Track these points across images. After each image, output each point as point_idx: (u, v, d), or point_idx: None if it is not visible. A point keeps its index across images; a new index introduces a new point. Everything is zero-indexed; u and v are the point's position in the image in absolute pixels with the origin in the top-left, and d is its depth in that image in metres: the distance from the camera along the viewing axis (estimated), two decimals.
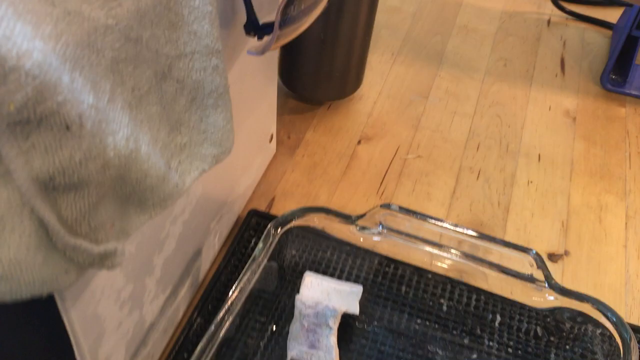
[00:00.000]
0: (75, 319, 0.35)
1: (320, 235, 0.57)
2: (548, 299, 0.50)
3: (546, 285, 0.50)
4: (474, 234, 0.53)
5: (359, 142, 0.74)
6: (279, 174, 0.69)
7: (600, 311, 0.47)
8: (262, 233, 0.61)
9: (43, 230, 0.28)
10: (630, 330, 0.47)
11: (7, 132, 0.23)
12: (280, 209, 0.65)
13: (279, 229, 0.52)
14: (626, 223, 0.67)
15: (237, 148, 0.55)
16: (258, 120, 0.61)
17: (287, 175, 0.69)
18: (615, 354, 0.47)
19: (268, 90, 0.61)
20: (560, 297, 0.49)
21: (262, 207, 0.65)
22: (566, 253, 0.63)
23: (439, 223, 0.54)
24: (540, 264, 0.50)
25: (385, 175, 0.70)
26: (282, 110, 0.77)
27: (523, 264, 0.52)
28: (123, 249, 0.33)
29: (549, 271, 0.50)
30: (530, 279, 0.50)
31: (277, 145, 0.71)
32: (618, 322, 0.47)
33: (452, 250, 0.53)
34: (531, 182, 0.70)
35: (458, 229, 0.53)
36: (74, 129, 0.25)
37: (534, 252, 0.51)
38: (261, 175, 0.68)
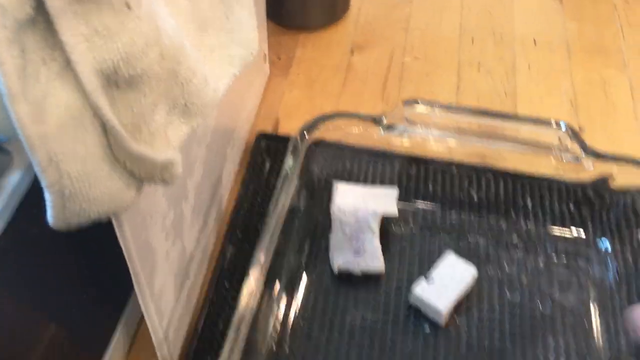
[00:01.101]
0: (132, 245, 0.32)
1: (341, 146, 0.55)
2: (587, 169, 0.49)
3: (583, 154, 0.49)
4: (499, 116, 0.52)
5: (352, 52, 0.71)
6: (278, 95, 0.66)
7: None
8: (273, 155, 0.59)
9: (105, 139, 0.25)
10: None
11: (67, 12, 0.20)
12: (287, 129, 0.62)
13: (305, 139, 0.49)
14: (632, 93, 0.67)
15: None
16: None
17: (286, 96, 0.66)
18: None
19: (257, 2, 0.57)
20: (598, 163, 0.49)
21: (268, 129, 0.62)
22: (581, 129, 0.63)
23: (462, 111, 0.52)
24: (573, 134, 0.49)
25: (386, 82, 0.68)
26: (267, 33, 0.73)
27: (550, 138, 0.51)
28: (180, 160, 0.30)
29: (583, 140, 0.49)
30: (564, 148, 0.49)
31: (270, 67, 0.68)
32: None
33: (480, 134, 0.52)
34: (532, 67, 0.69)
35: (481, 113, 0.52)
36: (133, 6, 0.22)
37: (565, 124, 0.50)
38: (260, 98, 0.65)
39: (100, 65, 0.22)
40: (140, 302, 0.36)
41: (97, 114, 0.23)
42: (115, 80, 0.23)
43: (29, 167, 0.28)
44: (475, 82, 0.67)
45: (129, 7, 0.21)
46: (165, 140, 0.29)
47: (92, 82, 0.22)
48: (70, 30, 0.20)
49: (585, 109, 0.65)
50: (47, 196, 0.23)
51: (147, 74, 0.24)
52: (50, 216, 0.25)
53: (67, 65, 0.21)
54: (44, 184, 0.23)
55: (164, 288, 0.39)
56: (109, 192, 0.26)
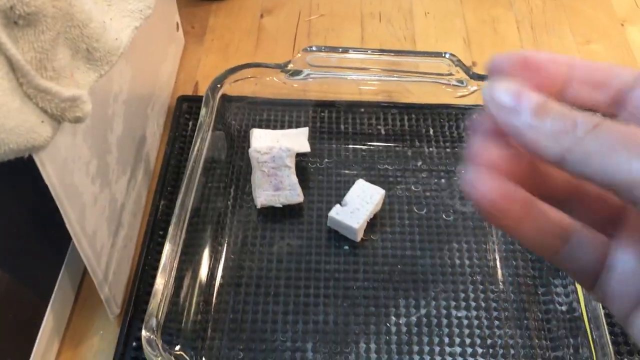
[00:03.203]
0: (57, 184, 0.36)
1: (255, 99, 0.59)
2: (471, 90, 0.55)
3: (467, 77, 0.55)
4: (391, 53, 0.57)
5: (262, 15, 0.75)
6: (195, 61, 0.70)
7: None
8: (195, 115, 0.62)
9: (12, 74, 0.28)
10: None
11: None
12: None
13: (217, 91, 0.54)
14: (518, 27, 0.74)
15: (149, 34, 0.56)
16: (161, 9, 0.61)
17: (203, 61, 0.70)
18: None
19: None
20: (481, 83, 0.55)
21: (188, 92, 0.66)
22: (474, 64, 0.69)
23: (360, 52, 0.57)
24: (458, 62, 0.55)
25: (295, 40, 0.72)
26: (178, 6, 0.76)
27: (441, 69, 0.57)
28: (88, 98, 0.34)
29: (466, 66, 0.55)
30: (450, 76, 0.55)
31: (185, 36, 0.71)
32: None
33: (377, 72, 0.57)
34: (428, 12, 0.75)
35: (377, 53, 0.57)
36: None
37: (448, 54, 0.56)
38: (178, 65, 0.68)
39: None
40: (75, 241, 0.40)
41: (1, 50, 0.27)
42: (14, 18, 0.27)
43: None
44: (378, 30, 0.73)
45: None
46: (71, 80, 0.33)
47: None
48: None
49: (477, 44, 0.71)
50: None
51: (42, 12, 0.28)
52: None
53: None
54: None
55: (97, 231, 0.43)
56: (23, 124, 0.30)
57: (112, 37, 0.37)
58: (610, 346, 0.41)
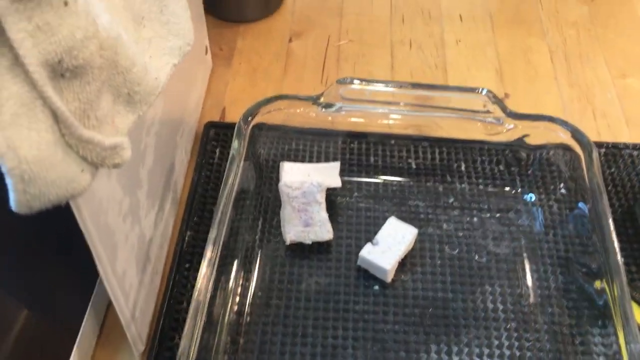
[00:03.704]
0: (91, 227, 0.35)
1: (285, 129, 0.58)
2: (508, 128, 0.54)
3: (504, 115, 0.53)
4: (426, 88, 0.56)
5: (290, 39, 0.74)
6: (222, 85, 0.69)
7: (558, 123, 0.52)
8: (223, 142, 0.62)
9: (56, 126, 0.27)
10: (585, 134, 0.52)
11: (12, 12, 0.22)
12: (233, 117, 0.65)
13: (249, 122, 0.53)
14: (551, 58, 0.72)
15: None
16: None
17: (230, 85, 0.69)
18: (576, 160, 0.52)
19: (194, 1, 0.60)
20: (519, 122, 0.53)
21: (215, 118, 0.65)
22: (506, 96, 0.68)
23: (393, 85, 0.56)
24: (494, 99, 0.54)
25: (324, 65, 0.71)
26: (207, 27, 0.75)
27: (475, 105, 0.56)
28: (128, 144, 0.33)
29: (503, 103, 0.54)
30: (487, 112, 0.54)
31: (212, 59, 0.71)
32: (574, 130, 0.52)
33: (411, 106, 0.56)
34: (460, 40, 0.74)
35: (411, 87, 0.56)
36: (70, 3, 0.24)
37: (486, 90, 0.54)
38: (206, 89, 0.67)
39: (45, 58, 0.24)
40: (105, 283, 0.39)
41: (46, 103, 0.26)
42: (61, 71, 0.26)
43: None
44: (409, 58, 0.72)
45: (66, 3, 0.24)
46: (112, 127, 0.32)
47: (39, 73, 0.24)
48: (16, 27, 0.23)
49: (510, 76, 0.70)
50: (9, 181, 0.26)
51: (89, 64, 0.27)
52: (13, 200, 0.27)
53: (16, 60, 0.24)
54: (4, 169, 0.25)
55: (127, 270, 0.42)
56: (64, 175, 0.29)
57: (152, 77, 0.36)
58: None
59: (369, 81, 0.56)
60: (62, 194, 0.29)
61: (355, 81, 0.55)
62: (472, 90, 0.55)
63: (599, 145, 0.62)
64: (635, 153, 0.61)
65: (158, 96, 0.37)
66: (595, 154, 0.50)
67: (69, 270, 0.42)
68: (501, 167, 0.59)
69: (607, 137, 0.64)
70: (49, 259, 0.40)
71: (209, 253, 0.45)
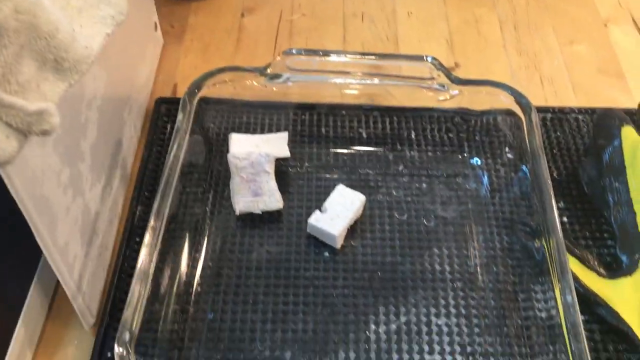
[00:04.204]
0: (25, 197, 0.35)
1: (235, 102, 0.58)
2: (453, 94, 0.55)
3: (448, 81, 0.54)
4: (373, 56, 0.57)
5: (242, 15, 0.74)
6: (174, 62, 0.68)
7: (500, 87, 0.53)
8: (174, 118, 0.61)
9: None
10: (527, 99, 0.53)
11: None
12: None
13: (194, 95, 0.53)
14: (501, 27, 0.73)
15: (125, 35, 0.54)
16: (139, 9, 0.60)
17: (182, 61, 0.69)
18: (517, 124, 0.54)
19: None
20: (463, 87, 0.54)
21: (167, 95, 0.65)
22: (456, 65, 0.69)
23: (341, 55, 0.56)
24: (439, 66, 0.55)
25: (276, 40, 0.71)
26: (157, 4, 0.75)
27: (423, 73, 0.57)
28: (56, 111, 0.33)
29: (447, 70, 0.55)
30: (432, 80, 0.55)
31: (163, 36, 0.70)
32: (514, 93, 0.53)
33: (359, 75, 0.56)
34: (411, 13, 0.74)
35: (358, 56, 0.56)
36: None
37: (430, 57, 0.55)
38: (157, 66, 0.67)
39: None
40: (45, 253, 0.39)
41: None
42: None
43: None
44: (361, 31, 0.72)
45: None
46: (37, 93, 0.32)
47: None
48: None
49: (460, 47, 0.71)
50: None
51: (3, 26, 0.27)
52: None
53: None
54: None
55: (69, 242, 0.42)
56: None
57: (82, 45, 0.36)
58: (588, 354, 0.40)
59: (315, 51, 0.56)
60: None
61: (302, 51, 0.56)
62: (417, 58, 0.56)
63: (546, 110, 0.63)
64: (580, 117, 0.63)
65: (91, 65, 0.37)
66: (534, 116, 0.51)
67: (11, 243, 0.42)
68: (450, 134, 0.60)
69: (555, 103, 0.65)
70: None
71: (152, 222, 0.45)
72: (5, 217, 0.41)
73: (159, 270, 0.45)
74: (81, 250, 0.44)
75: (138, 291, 0.42)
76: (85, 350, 0.47)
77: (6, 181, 0.34)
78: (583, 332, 0.41)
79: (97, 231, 0.48)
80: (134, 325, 0.40)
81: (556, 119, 0.62)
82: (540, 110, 0.62)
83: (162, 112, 0.62)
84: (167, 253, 0.48)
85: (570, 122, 0.62)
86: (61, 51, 0.33)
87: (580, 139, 0.61)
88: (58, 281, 0.49)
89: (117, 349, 0.38)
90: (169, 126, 0.61)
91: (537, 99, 0.65)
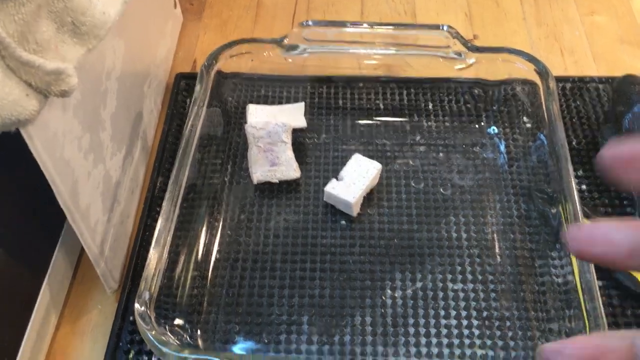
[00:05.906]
0: (46, 158, 0.36)
1: (251, 76, 0.59)
2: (469, 62, 0.55)
3: (465, 49, 0.54)
4: (389, 26, 0.56)
5: None
6: (194, 38, 0.69)
7: (517, 54, 0.53)
8: (192, 93, 0.62)
9: None
10: (544, 64, 0.52)
11: None
12: None
13: (212, 67, 0.53)
14: (520, 0, 0.72)
15: (145, 12, 0.55)
16: None
17: (201, 38, 0.69)
18: (535, 92, 0.53)
19: None
20: (479, 54, 0.54)
21: (186, 70, 0.66)
22: (475, 37, 0.68)
23: (357, 26, 0.56)
24: (456, 34, 0.55)
25: (294, 15, 0.72)
26: None
27: (440, 42, 0.56)
28: (74, 72, 0.34)
29: (464, 38, 0.54)
30: (448, 48, 0.54)
31: (183, 13, 0.71)
32: (531, 59, 0.52)
33: (376, 46, 0.56)
34: None
35: (374, 27, 0.56)
36: None
37: (446, 26, 0.55)
38: (176, 42, 0.68)
39: None
40: (67, 215, 0.40)
41: None
42: None
43: None
44: (377, 5, 0.72)
45: None
46: (56, 53, 0.33)
47: None
48: None
49: (478, 18, 0.70)
50: None
51: None
52: None
53: None
54: None
55: (91, 205, 0.43)
56: (7, 98, 0.30)
57: (99, 10, 0.36)
58: (604, 317, 0.40)
59: (331, 22, 0.56)
60: (6, 116, 0.30)
61: (318, 23, 0.56)
62: (434, 27, 0.56)
63: (565, 79, 0.62)
64: (600, 86, 0.62)
65: (108, 32, 0.38)
66: (552, 82, 0.51)
67: (36, 209, 0.44)
68: (468, 105, 0.60)
69: (575, 73, 0.64)
70: (15, 196, 0.41)
71: (169, 191, 0.46)
72: (30, 183, 0.42)
73: (177, 238, 0.46)
74: (103, 215, 0.46)
75: (156, 257, 0.43)
76: (109, 314, 0.48)
77: (28, 142, 0.35)
78: (598, 291, 0.40)
79: (119, 199, 0.49)
80: (153, 288, 0.41)
81: (576, 88, 0.62)
82: (560, 79, 0.62)
83: (182, 87, 0.63)
84: (187, 222, 0.49)
85: (591, 91, 0.62)
86: (78, 14, 0.34)
87: (601, 108, 0.60)
88: (82, 249, 0.51)
89: (137, 307, 0.39)
90: (188, 101, 0.62)
91: (557, 69, 0.64)
